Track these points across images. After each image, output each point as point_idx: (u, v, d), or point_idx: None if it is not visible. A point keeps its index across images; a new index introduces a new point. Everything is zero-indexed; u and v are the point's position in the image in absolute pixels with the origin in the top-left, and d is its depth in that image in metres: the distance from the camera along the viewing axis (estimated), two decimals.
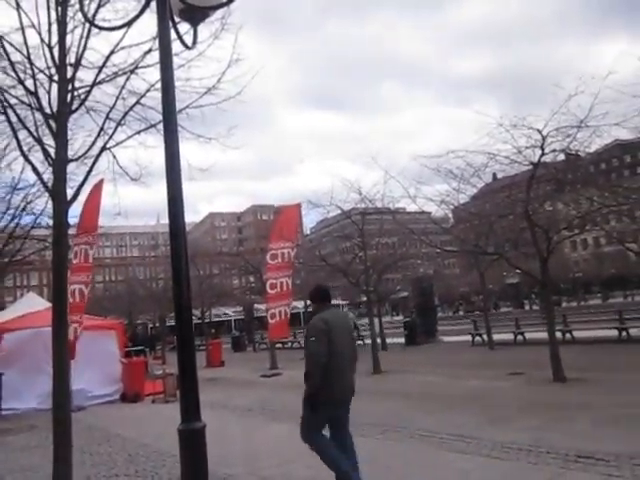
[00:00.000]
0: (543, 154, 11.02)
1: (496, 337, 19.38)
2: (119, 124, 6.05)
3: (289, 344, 29.92)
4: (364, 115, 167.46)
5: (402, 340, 24.26)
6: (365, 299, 21.02)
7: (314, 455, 6.54)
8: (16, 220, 11.09)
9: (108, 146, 6.09)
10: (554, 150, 11.10)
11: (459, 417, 8.20)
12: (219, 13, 5.21)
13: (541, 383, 10.63)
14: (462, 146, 11.70)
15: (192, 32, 3.84)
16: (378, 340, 17.98)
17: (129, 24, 3.75)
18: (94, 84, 5.88)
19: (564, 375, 10.54)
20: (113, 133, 6.06)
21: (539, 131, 10.68)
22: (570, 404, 8.48)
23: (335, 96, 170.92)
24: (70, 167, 6.17)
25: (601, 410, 7.78)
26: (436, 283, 36.49)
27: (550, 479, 4.96)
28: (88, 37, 5.61)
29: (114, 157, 6.30)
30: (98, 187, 9.60)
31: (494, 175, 15.10)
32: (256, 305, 37.94)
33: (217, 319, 47.68)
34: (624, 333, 16.55)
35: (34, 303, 14.83)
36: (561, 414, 7.83)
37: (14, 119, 5.91)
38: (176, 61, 5.46)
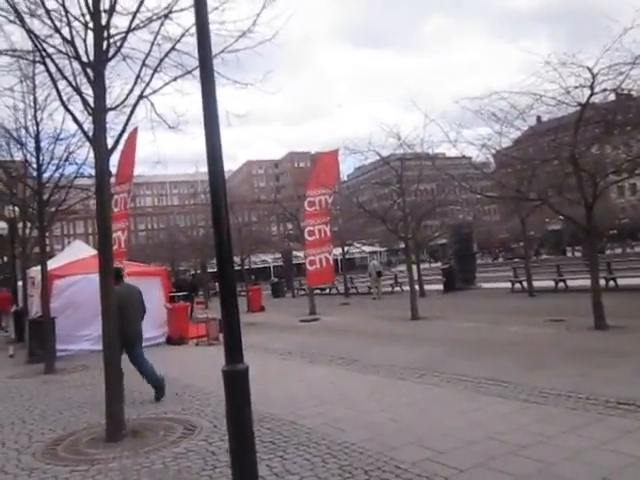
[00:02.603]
0: (592, 94, 10.47)
1: (536, 284, 19.14)
2: (155, 71, 6.05)
3: (327, 290, 30.34)
4: (408, 54, 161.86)
5: (440, 287, 24.26)
6: (403, 246, 20.96)
7: (352, 397, 6.74)
8: (60, 170, 11.40)
9: (145, 94, 6.11)
10: (604, 90, 10.53)
11: (496, 362, 8.23)
12: None
13: (582, 330, 10.51)
14: (508, 86, 11.22)
15: None
16: (416, 287, 18.02)
17: None
18: (129, 30, 5.85)
19: (606, 323, 10.38)
20: (150, 80, 6.08)
21: (589, 69, 10.12)
22: (611, 352, 8.38)
23: (377, 34, 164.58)
24: (109, 116, 6.24)
25: None
26: (475, 230, 36.00)
27: (588, 424, 4.97)
28: None
29: (152, 105, 6.33)
30: (133, 136, 9.70)
31: (538, 118, 14.47)
32: (295, 252, 38.37)
33: (256, 266, 48.59)
34: None
35: (81, 250, 15.39)
36: (602, 361, 7.76)
37: (53, 69, 5.98)
38: (210, 3, 5.35)
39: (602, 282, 13.91)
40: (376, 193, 33.97)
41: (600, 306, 10.54)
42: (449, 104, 16.15)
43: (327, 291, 30.53)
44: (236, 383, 3.26)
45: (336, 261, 32.31)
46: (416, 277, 19.81)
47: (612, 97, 11.54)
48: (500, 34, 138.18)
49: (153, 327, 14.12)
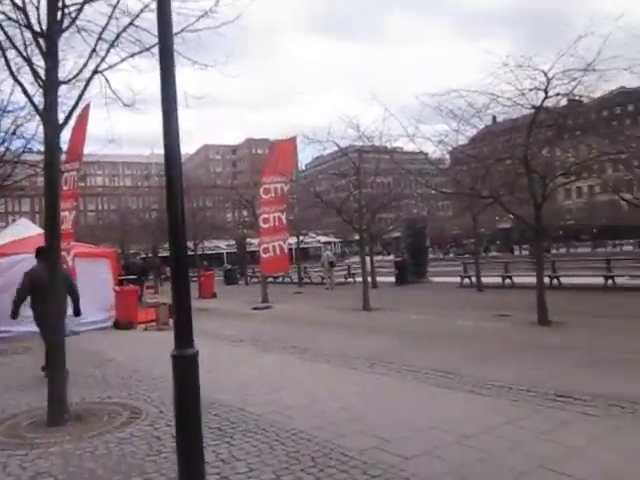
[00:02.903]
0: (546, 97, 10.80)
1: (485, 280, 19.68)
2: (112, 45, 5.84)
3: (280, 278, 30.30)
4: (372, 47, 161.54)
5: (393, 279, 24.61)
6: (358, 237, 21.14)
7: (303, 385, 6.78)
8: (6, 144, 10.90)
9: (100, 69, 5.90)
10: (558, 94, 10.88)
11: (445, 354, 8.44)
12: None
13: (526, 325, 10.90)
14: (467, 85, 11.43)
15: None
16: (369, 278, 18.22)
17: None
18: (85, 1, 5.62)
19: (549, 319, 10.80)
20: (106, 55, 5.87)
21: (544, 73, 10.42)
22: (553, 346, 8.73)
23: (342, 25, 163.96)
24: (61, 90, 6.00)
25: (582, 353, 8.04)
26: (429, 225, 36.61)
27: (528, 415, 5.16)
28: None
29: (107, 81, 6.11)
30: (85, 112, 9.35)
31: (494, 118, 14.83)
32: (249, 239, 38.11)
33: (210, 252, 48.02)
34: (610, 281, 16.85)
35: (26, 228, 14.78)
36: (543, 355, 8.07)
37: (1, 37, 5.68)
38: None
39: (546, 280, 14.43)
40: (333, 184, 34.05)
41: (544, 303, 10.94)
42: (409, 99, 16.39)
43: (280, 280, 30.49)
44: (185, 368, 3.22)
45: (291, 250, 32.34)
46: (369, 269, 20.03)
47: (564, 102, 11.93)
48: (462, 33, 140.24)
49: (99, 310, 13.77)
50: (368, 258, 20.26)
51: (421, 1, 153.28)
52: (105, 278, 14.18)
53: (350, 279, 26.83)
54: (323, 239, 52.90)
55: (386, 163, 20.81)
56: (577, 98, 11.64)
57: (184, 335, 3.22)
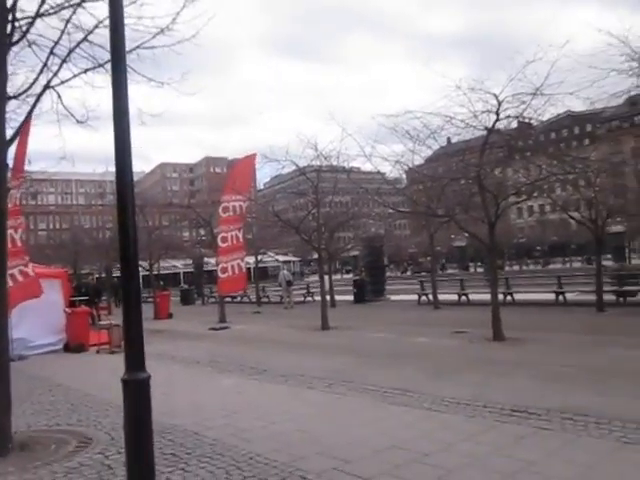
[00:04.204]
0: (498, 119, 11.15)
1: (441, 297, 19.97)
2: (64, 61, 5.72)
3: (238, 298, 29.95)
4: (330, 68, 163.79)
5: (351, 298, 24.67)
6: (316, 256, 21.16)
7: (260, 407, 6.66)
8: None
9: (52, 84, 5.76)
10: (508, 116, 11.25)
11: (403, 372, 8.47)
12: None
13: (482, 342, 11.08)
14: (422, 107, 11.70)
15: None
16: (327, 297, 18.21)
17: None
18: (37, 15, 5.50)
19: (503, 335, 11.01)
20: (58, 70, 5.73)
21: (495, 96, 10.77)
22: (508, 362, 8.89)
23: (300, 45, 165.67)
24: (11, 105, 5.82)
25: (536, 367, 8.20)
26: (386, 243, 37.06)
27: (485, 431, 5.21)
28: None
29: (59, 96, 5.97)
30: (26, 128, 9.07)
31: (448, 139, 15.22)
32: (206, 259, 37.55)
33: (166, 272, 47.03)
34: (561, 297, 17.38)
35: None
36: (499, 371, 8.20)
37: None
38: None
39: (501, 297, 14.76)
40: (292, 203, 34.10)
41: (498, 319, 11.16)
42: (366, 119, 16.64)
43: (238, 299, 30.14)
44: (136, 393, 3.10)
45: (249, 269, 32.07)
46: (328, 287, 20.03)
47: (515, 124, 12.35)
48: (418, 55, 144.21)
49: (49, 333, 13.30)
50: (327, 277, 20.28)
51: (378, 23, 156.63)
52: (55, 300, 13.70)
53: (309, 298, 26.74)
54: (282, 258, 52.68)
55: (344, 182, 20.99)
56: (527, 120, 12.07)
57: (135, 358, 3.11)
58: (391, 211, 23.32)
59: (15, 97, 5.77)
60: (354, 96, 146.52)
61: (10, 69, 5.63)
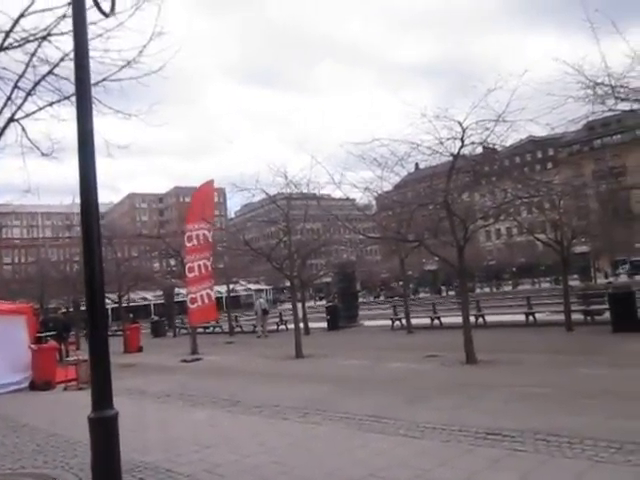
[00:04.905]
0: (463, 146, 11.42)
1: (414, 321, 20.05)
2: (29, 94, 5.68)
3: (210, 329, 29.53)
4: (298, 97, 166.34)
5: (325, 325, 24.58)
6: (289, 284, 21.09)
7: (234, 439, 6.53)
8: None
9: (16, 117, 5.69)
10: (473, 142, 11.54)
11: (377, 399, 8.42)
12: None
13: (455, 365, 11.12)
14: (390, 134, 11.92)
15: None
16: (301, 325, 18.10)
17: None
18: (1, 49, 5.45)
19: (476, 357, 11.08)
20: (22, 103, 5.68)
21: (460, 123, 11.05)
22: (481, 384, 8.93)
23: (273, 74, 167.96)
24: None
25: (508, 389, 8.26)
26: (358, 269, 37.19)
27: (460, 455, 5.20)
28: None
29: (23, 130, 5.90)
30: None
31: (416, 165, 15.55)
32: (177, 289, 37.05)
33: (136, 303, 46.16)
34: (531, 318, 17.64)
35: None
36: (473, 394, 8.23)
37: None
38: (94, 30, 5.18)
39: (472, 319, 14.90)
40: (263, 231, 34.07)
41: (471, 342, 11.25)
42: (335, 147, 16.85)
43: (211, 330, 29.72)
44: (103, 431, 3.01)
45: (221, 299, 31.76)
46: (301, 315, 19.93)
47: (480, 150, 12.67)
48: (385, 83, 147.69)
49: (14, 371, 12.86)
50: (300, 304, 20.19)
51: (346, 52, 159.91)
52: (20, 336, 13.29)
53: (282, 326, 26.54)
54: (254, 287, 52.36)
55: (315, 209, 21.11)
56: (491, 146, 12.41)
57: (102, 395, 3.03)
58: (362, 237, 23.52)
59: None
60: (324, 124, 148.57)
61: None
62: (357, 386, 9.86)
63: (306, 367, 13.21)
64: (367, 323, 25.29)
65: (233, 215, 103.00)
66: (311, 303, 43.66)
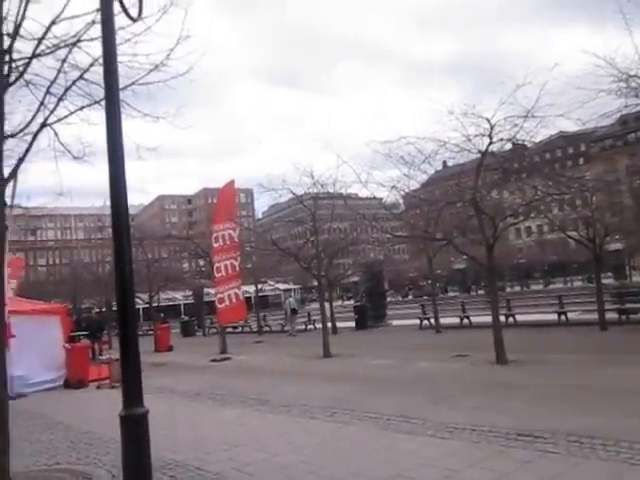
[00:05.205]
0: (491, 143, 11.26)
1: (443, 321, 19.86)
2: (60, 99, 5.79)
3: (239, 328, 29.77)
4: (323, 96, 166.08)
5: (353, 324, 24.55)
6: (316, 283, 21.13)
7: (263, 438, 6.58)
8: None
9: (49, 122, 5.82)
10: (501, 139, 11.37)
11: (406, 399, 8.37)
12: None
13: (484, 365, 10.98)
14: (416, 132, 11.83)
15: (138, 4, 3.69)
16: (329, 324, 18.11)
17: None
18: (33, 56, 5.58)
19: (506, 357, 10.92)
20: (54, 108, 5.80)
21: (488, 120, 10.90)
22: (511, 385, 8.79)
23: (295, 75, 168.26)
24: (9, 144, 5.86)
25: (540, 389, 8.12)
26: (386, 268, 36.99)
27: (491, 456, 5.13)
28: (27, 5, 5.31)
29: (55, 134, 6.02)
30: None
31: (444, 163, 15.35)
32: (206, 289, 37.47)
33: (166, 303, 46.86)
34: (563, 317, 17.29)
35: None
36: (503, 394, 8.11)
37: None
38: (122, 35, 5.26)
39: (502, 318, 14.68)
40: (290, 231, 34.21)
41: (501, 341, 11.08)
42: (361, 146, 16.76)
43: (239, 329, 29.96)
44: (134, 428, 3.07)
45: (249, 298, 32.00)
46: (329, 314, 19.95)
47: (509, 146, 12.47)
48: (410, 82, 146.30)
49: (49, 369, 13.20)
50: (327, 304, 20.21)
51: (369, 51, 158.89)
52: (55, 336, 13.65)
53: (310, 326, 26.60)
54: (282, 286, 52.60)
55: (341, 209, 21.10)
56: (520, 142, 12.20)
57: (133, 393, 3.09)
58: (389, 236, 23.40)
59: (12, 136, 5.83)
60: (349, 123, 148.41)
61: (7, 108, 5.70)
62: (385, 386, 9.82)
63: (334, 366, 13.21)
64: (395, 322, 25.13)
65: (260, 215, 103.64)
66: (339, 302, 43.61)
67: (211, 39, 6.17)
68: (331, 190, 17.26)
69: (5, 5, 5.29)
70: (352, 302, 37.92)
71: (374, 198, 15.89)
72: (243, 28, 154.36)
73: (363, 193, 16.03)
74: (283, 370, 13.33)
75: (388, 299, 34.61)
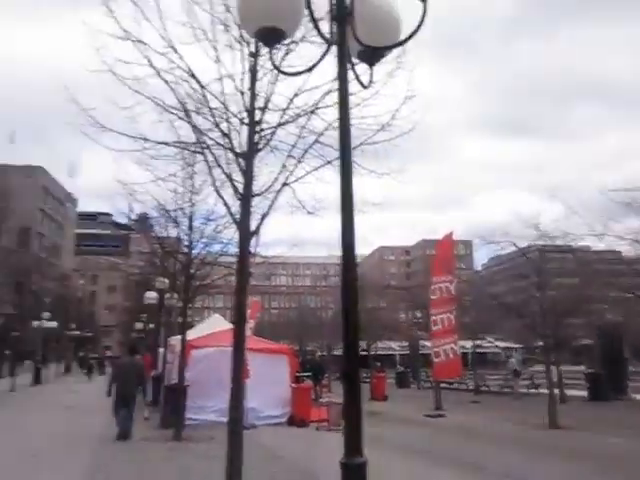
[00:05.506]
0: None
1: None
2: (299, 161, 6.49)
3: (455, 385, 28.69)
4: (549, 143, 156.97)
5: (583, 393, 21.84)
6: (541, 343, 19.43)
7: None
8: (207, 248, 12.38)
9: (288, 182, 6.54)
10: None
11: None
12: (395, 52, 5.36)
13: None
14: None
15: (369, 72, 3.97)
16: (556, 391, 16.40)
17: (311, 69, 3.99)
18: (279, 125, 6.39)
19: None
20: (293, 170, 6.51)
21: None
22: None
23: (517, 124, 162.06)
24: (253, 201, 6.73)
25: None
26: (626, 332, 32.35)
27: None
28: (275, 83, 6.14)
29: (293, 192, 6.73)
30: None
31: None
32: (422, 342, 37.17)
33: (382, 352, 47.66)
34: None
35: (218, 324, 16.25)
36: None
37: (210, 158, 6.66)
38: (352, 100, 5.70)
39: None
40: (511, 285, 32.28)
41: None
42: (594, 195, 15.26)
43: (455, 385, 28.86)
44: (353, 477, 3.12)
45: (466, 354, 30.79)
46: (556, 379, 18.09)
47: None
48: None
49: (277, 405, 14.19)
50: (554, 368, 18.37)
51: (603, 90, 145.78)
52: (283, 374, 14.70)
53: (533, 390, 24.40)
54: (501, 344, 49.48)
55: (572, 263, 19.30)
56: None
57: (354, 443, 3.15)
58: (630, 295, 20.55)
59: (258, 195, 6.69)
60: (580, 170, 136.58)
61: (255, 171, 6.58)
62: (627, 470, 8.44)
63: (561, 439, 11.84)
64: (639, 397, 21.66)
65: (480, 268, 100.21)
66: (568, 367, 39.31)
67: (432, 95, 6.35)
68: (560, 242, 15.97)
69: (258, 84, 6.19)
70: (583, 368, 33.86)
71: (611, 252, 14.24)
72: (463, 80, 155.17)
73: (598, 246, 14.52)
74: (501, 436, 12.39)
75: (630, 368, 30.06)
